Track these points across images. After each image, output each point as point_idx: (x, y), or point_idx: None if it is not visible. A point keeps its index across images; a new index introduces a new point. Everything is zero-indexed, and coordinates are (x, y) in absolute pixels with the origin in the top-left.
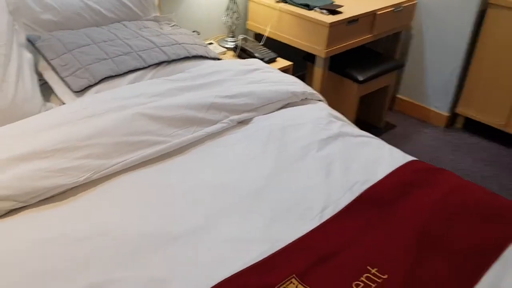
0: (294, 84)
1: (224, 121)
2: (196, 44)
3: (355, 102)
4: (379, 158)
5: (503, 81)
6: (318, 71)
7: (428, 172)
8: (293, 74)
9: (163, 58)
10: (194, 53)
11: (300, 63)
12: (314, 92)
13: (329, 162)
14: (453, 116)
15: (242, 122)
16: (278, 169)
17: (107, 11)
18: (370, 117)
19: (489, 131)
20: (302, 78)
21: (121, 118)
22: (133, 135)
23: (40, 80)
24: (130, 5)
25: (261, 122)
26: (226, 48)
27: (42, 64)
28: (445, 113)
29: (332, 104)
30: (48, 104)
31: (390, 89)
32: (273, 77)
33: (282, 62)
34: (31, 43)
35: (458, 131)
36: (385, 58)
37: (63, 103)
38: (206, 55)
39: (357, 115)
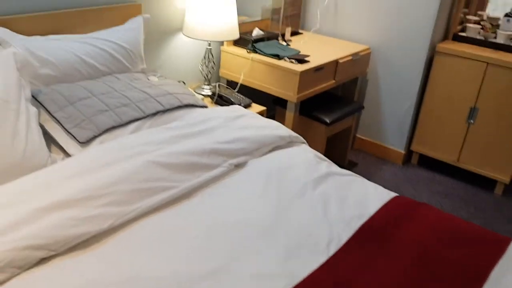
0: (279, 129)
1: (224, 165)
2: (186, 94)
3: (323, 143)
4: (367, 195)
5: (452, 120)
6: (290, 115)
7: (412, 206)
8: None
9: (159, 108)
10: (186, 102)
11: (269, 106)
12: (297, 135)
13: (325, 199)
14: (409, 153)
15: (239, 166)
16: (281, 207)
17: (100, 65)
18: (335, 157)
19: (442, 166)
20: (272, 119)
21: (134, 166)
22: (147, 181)
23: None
24: (121, 59)
25: (256, 165)
26: (203, 95)
27: (44, 117)
28: (401, 150)
29: None
30: (52, 155)
31: (352, 130)
32: (258, 123)
33: (256, 107)
34: (33, 97)
35: (414, 167)
36: (346, 101)
37: (67, 153)
38: (196, 103)
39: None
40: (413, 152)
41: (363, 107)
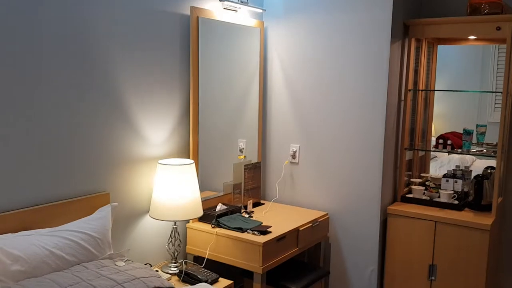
0: None
1: None
2: (152, 277)
3: None
4: None
5: (415, 279)
6: (257, 286)
7: None
8: None
9: None
10: (152, 285)
11: (237, 278)
12: None
13: None
14: None
15: None
16: None
17: (68, 255)
18: None
19: None
20: None
21: None
22: None
23: None
24: (89, 247)
25: None
26: (170, 274)
27: None
28: None
29: None
30: None
31: None
32: None
33: (223, 282)
34: None
35: None
36: (312, 267)
37: None
38: (162, 285)
39: None
40: None
41: (329, 273)
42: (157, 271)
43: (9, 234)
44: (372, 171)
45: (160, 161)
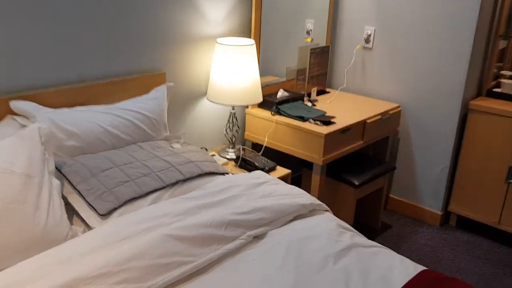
0: (302, 196)
1: (242, 237)
2: (207, 161)
3: (352, 206)
4: (392, 269)
5: (491, 180)
6: (316, 177)
7: (441, 282)
8: (291, 179)
9: (179, 177)
10: (206, 170)
11: (296, 167)
12: (320, 203)
13: (347, 274)
14: (447, 214)
15: (258, 237)
16: (299, 282)
17: (124, 134)
18: (367, 219)
19: (482, 228)
20: (298, 180)
21: (151, 240)
22: (163, 257)
23: None
24: (145, 127)
25: (276, 236)
26: (227, 158)
27: (67, 189)
28: (438, 211)
29: (330, 208)
30: (74, 227)
31: (384, 191)
32: (281, 190)
33: (281, 171)
34: (57, 169)
35: (452, 229)
36: (377, 161)
37: (87, 225)
38: (216, 171)
39: (354, 218)
40: (451, 213)
41: (394, 168)
42: (213, 155)
43: (64, 108)
44: (457, 60)
45: (218, 40)
